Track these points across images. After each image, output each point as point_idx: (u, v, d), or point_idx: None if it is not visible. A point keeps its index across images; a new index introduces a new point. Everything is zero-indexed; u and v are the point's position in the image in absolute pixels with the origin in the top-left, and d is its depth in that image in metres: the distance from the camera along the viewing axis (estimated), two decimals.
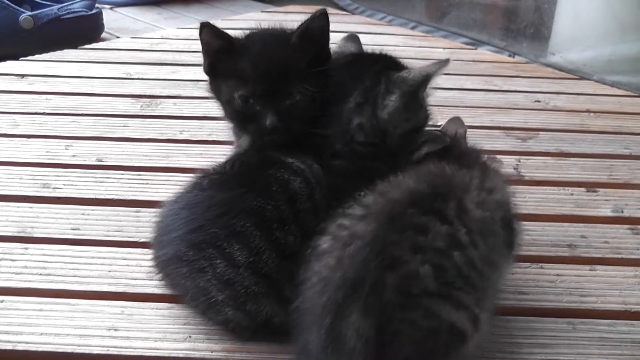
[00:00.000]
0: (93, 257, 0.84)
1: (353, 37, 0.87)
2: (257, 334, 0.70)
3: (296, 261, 0.66)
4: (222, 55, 0.77)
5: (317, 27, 0.78)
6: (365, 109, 0.74)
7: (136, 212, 0.95)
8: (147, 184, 1.02)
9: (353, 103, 0.75)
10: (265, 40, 0.78)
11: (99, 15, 1.92)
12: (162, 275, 0.73)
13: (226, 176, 0.74)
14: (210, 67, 0.79)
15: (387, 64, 0.79)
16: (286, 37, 0.78)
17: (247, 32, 0.81)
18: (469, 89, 1.51)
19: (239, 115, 0.78)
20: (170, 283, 0.73)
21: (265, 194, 0.69)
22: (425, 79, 0.74)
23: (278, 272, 0.67)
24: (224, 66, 0.77)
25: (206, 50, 0.78)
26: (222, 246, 0.67)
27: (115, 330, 0.72)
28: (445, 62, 0.75)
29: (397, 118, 0.74)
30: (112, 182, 1.03)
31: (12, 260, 0.83)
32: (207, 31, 0.76)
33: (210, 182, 0.73)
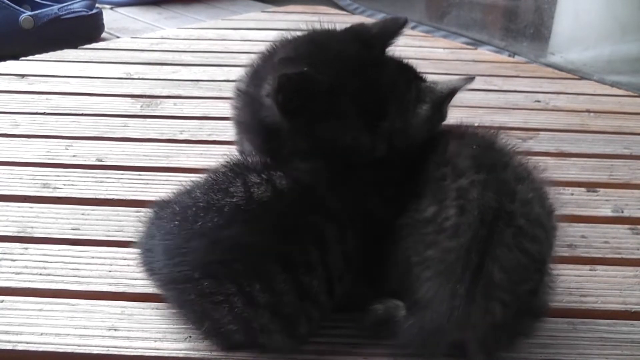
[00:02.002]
0: (93, 257, 0.84)
1: None
2: None
3: (316, 302, 0.67)
4: (308, 94, 0.65)
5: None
6: (400, 115, 0.72)
7: (136, 212, 0.94)
8: (148, 184, 1.02)
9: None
10: (355, 68, 0.69)
11: (99, 15, 1.92)
12: (156, 282, 0.72)
13: (253, 208, 0.66)
14: (290, 106, 0.66)
15: (415, 74, 0.78)
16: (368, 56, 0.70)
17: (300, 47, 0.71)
18: (469, 89, 1.50)
19: (337, 153, 0.68)
20: (167, 295, 0.71)
21: (297, 240, 0.66)
22: (452, 92, 0.76)
23: (296, 312, 0.67)
24: (315, 105, 0.66)
25: (285, 88, 0.65)
26: (243, 284, 0.64)
27: (115, 330, 0.72)
28: (471, 79, 0.77)
29: (423, 127, 0.74)
30: (113, 182, 1.03)
31: (12, 260, 0.83)
32: (286, 79, 0.64)
33: (234, 210, 0.66)
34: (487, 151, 0.72)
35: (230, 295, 0.65)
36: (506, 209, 0.65)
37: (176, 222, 0.68)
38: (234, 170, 0.71)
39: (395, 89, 0.71)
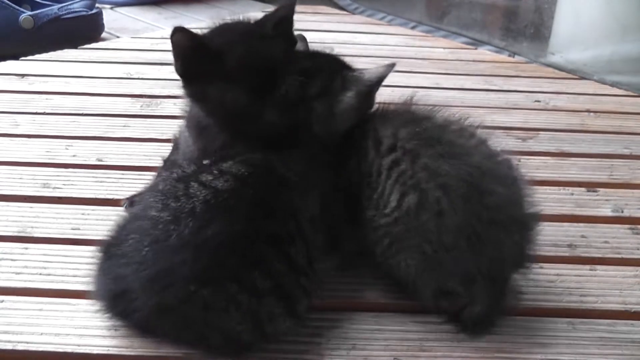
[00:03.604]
0: (93, 257, 0.84)
1: (301, 37, 0.88)
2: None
3: (307, 274, 0.68)
4: (198, 56, 0.74)
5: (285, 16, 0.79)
6: (323, 101, 0.77)
7: None
8: (148, 184, 1.02)
9: (314, 92, 0.77)
10: (242, 37, 0.77)
11: (99, 15, 1.92)
12: (140, 321, 0.66)
13: (225, 198, 0.67)
14: (185, 70, 0.77)
15: (343, 64, 0.82)
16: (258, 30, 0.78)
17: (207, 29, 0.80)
18: (469, 89, 1.51)
19: (229, 118, 0.76)
20: (159, 329, 0.67)
21: (276, 216, 0.67)
22: (379, 80, 0.78)
23: (295, 289, 0.67)
24: (204, 67, 0.75)
25: (178, 51, 0.75)
26: (244, 278, 0.63)
27: (116, 330, 0.72)
28: (392, 65, 0.79)
29: (348, 116, 0.78)
30: (113, 182, 1.03)
31: (12, 260, 0.83)
32: (180, 36, 0.73)
33: (207, 207, 0.65)
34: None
35: (234, 295, 0.63)
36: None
37: (146, 249, 0.64)
38: (180, 179, 0.70)
39: (289, 64, 0.77)
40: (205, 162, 0.73)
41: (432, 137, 0.75)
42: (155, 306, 0.63)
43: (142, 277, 0.64)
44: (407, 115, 0.80)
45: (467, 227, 0.70)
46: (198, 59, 0.74)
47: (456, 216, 0.69)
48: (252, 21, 0.82)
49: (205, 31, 0.81)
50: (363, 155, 0.76)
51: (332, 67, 0.80)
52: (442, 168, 0.71)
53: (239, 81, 0.74)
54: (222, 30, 0.80)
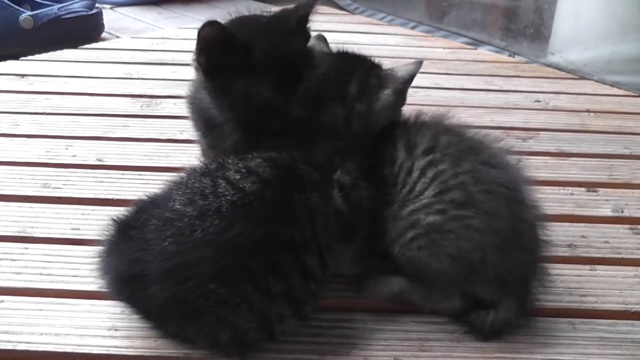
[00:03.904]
0: (93, 257, 0.84)
1: (322, 38, 0.88)
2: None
3: (316, 278, 0.69)
4: (224, 50, 0.72)
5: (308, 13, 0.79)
6: (363, 99, 0.78)
7: None
8: (148, 184, 1.02)
9: (354, 90, 0.78)
10: (268, 31, 0.77)
11: (99, 15, 1.92)
12: (151, 309, 0.68)
13: (251, 201, 0.67)
14: (210, 64, 0.74)
15: (373, 63, 0.83)
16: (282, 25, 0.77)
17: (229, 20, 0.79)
18: (469, 89, 1.51)
19: (254, 113, 0.75)
20: (168, 319, 0.68)
21: (295, 222, 0.68)
22: (412, 77, 0.80)
23: (304, 293, 0.68)
24: (230, 61, 0.73)
25: (205, 45, 0.73)
26: (259, 281, 0.65)
27: (116, 330, 0.72)
28: (420, 62, 0.80)
29: (386, 113, 0.80)
30: (113, 182, 1.03)
31: (12, 260, 0.83)
32: (211, 29, 0.71)
33: (233, 208, 0.66)
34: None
35: (248, 294, 0.64)
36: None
37: (169, 239, 0.65)
38: (205, 174, 0.71)
39: (309, 59, 0.77)
40: (230, 159, 0.73)
41: (472, 147, 0.77)
42: (171, 297, 0.64)
43: (161, 266, 0.64)
44: (443, 126, 0.80)
45: (510, 232, 0.71)
46: (225, 53, 0.72)
47: (502, 220, 0.71)
48: (267, 15, 0.81)
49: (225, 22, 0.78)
50: (390, 157, 0.76)
51: (365, 65, 0.82)
52: (487, 174, 0.73)
53: (265, 75, 0.73)
54: (245, 24, 0.78)
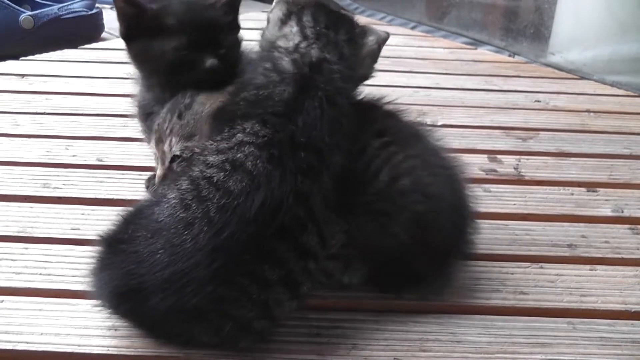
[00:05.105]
0: (93, 257, 0.84)
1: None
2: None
3: (314, 256, 0.69)
4: (139, 19, 0.85)
5: None
6: (350, 45, 0.79)
7: None
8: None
9: (344, 37, 0.79)
10: (183, 3, 0.88)
11: (99, 15, 1.92)
12: (153, 319, 0.67)
13: (238, 202, 0.65)
14: (128, 32, 0.86)
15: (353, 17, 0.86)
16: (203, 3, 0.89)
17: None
18: (469, 89, 1.51)
19: (171, 67, 0.84)
20: (170, 324, 0.67)
21: (288, 205, 0.67)
22: (386, 38, 0.83)
23: (301, 274, 0.68)
24: (146, 27, 0.85)
25: (121, 16, 0.86)
26: (255, 272, 0.65)
27: (116, 330, 0.72)
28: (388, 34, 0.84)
29: (370, 60, 0.82)
30: (113, 182, 1.03)
31: (12, 260, 0.83)
32: (122, 3, 0.84)
33: (221, 212, 0.65)
34: None
35: (245, 287, 0.65)
36: None
37: (160, 251, 0.64)
38: (186, 177, 0.69)
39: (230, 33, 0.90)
40: (209, 145, 0.70)
41: (415, 134, 0.82)
42: (172, 305, 0.64)
43: (157, 277, 0.64)
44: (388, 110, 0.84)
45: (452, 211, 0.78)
46: (139, 21, 0.85)
47: (445, 201, 0.77)
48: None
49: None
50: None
51: (348, 17, 0.85)
52: (431, 160, 0.79)
53: (179, 33, 0.84)
54: (167, 2, 0.89)
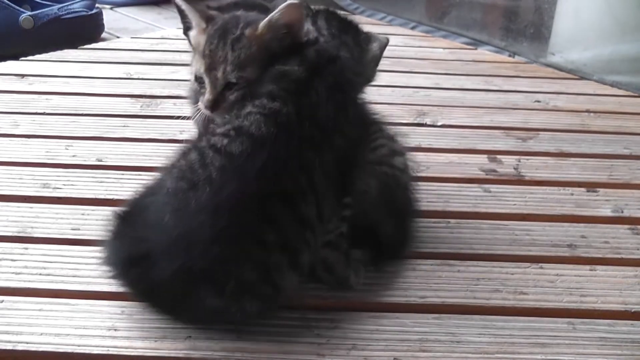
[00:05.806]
0: (93, 257, 0.84)
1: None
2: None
3: (312, 226, 0.71)
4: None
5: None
6: (355, 50, 0.85)
7: None
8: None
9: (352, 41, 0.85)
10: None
11: (99, 15, 1.92)
12: (163, 279, 0.68)
13: (239, 162, 0.68)
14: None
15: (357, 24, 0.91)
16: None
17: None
18: (469, 89, 1.51)
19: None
20: (177, 282, 0.69)
21: (290, 173, 0.70)
22: (387, 43, 0.88)
23: (299, 242, 0.70)
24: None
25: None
26: (256, 233, 0.67)
27: (116, 330, 0.72)
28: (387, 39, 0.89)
29: (374, 64, 0.88)
30: (112, 182, 1.03)
31: (12, 260, 0.83)
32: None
33: (222, 172, 0.68)
34: None
35: (247, 247, 0.67)
36: None
37: (167, 216, 0.68)
38: (192, 150, 0.72)
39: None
40: (219, 120, 0.75)
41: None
42: (178, 268, 0.66)
43: (163, 241, 0.67)
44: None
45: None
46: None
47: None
48: None
49: None
50: None
51: (357, 26, 0.90)
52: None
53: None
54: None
